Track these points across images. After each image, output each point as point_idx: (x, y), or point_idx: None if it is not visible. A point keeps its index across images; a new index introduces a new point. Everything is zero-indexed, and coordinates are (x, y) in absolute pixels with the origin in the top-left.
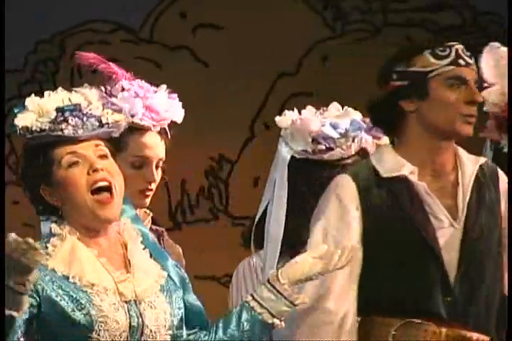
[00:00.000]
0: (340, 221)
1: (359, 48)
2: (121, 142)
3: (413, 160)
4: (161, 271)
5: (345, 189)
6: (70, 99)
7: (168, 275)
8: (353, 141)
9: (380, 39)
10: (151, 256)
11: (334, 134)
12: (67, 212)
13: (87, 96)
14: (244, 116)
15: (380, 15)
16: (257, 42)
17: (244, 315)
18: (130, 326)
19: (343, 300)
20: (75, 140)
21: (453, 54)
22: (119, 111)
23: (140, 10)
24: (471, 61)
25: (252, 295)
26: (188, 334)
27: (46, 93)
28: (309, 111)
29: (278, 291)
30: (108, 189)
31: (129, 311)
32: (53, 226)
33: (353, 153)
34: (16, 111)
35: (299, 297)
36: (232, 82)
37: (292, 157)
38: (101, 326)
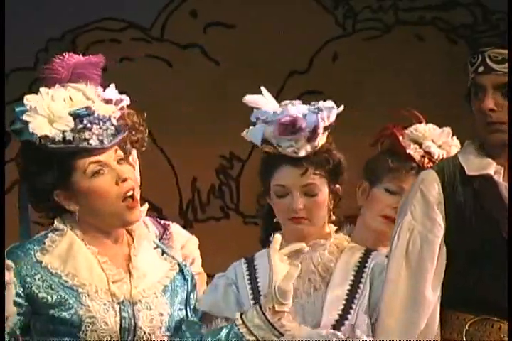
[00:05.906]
0: (426, 216)
1: (370, 47)
2: None
3: (495, 161)
4: (169, 271)
5: (429, 184)
6: (70, 98)
7: (176, 274)
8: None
9: (390, 37)
10: (162, 254)
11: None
12: (83, 216)
13: (84, 93)
14: None
15: (390, 14)
16: (267, 40)
17: (233, 339)
18: (121, 327)
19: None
20: (99, 149)
21: (478, 61)
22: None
23: (151, 8)
24: (496, 66)
25: (242, 319)
26: None
27: (43, 91)
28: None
29: (268, 321)
30: (132, 195)
31: (121, 312)
32: (56, 221)
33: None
34: (18, 109)
35: (289, 329)
36: (243, 81)
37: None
38: (88, 326)
